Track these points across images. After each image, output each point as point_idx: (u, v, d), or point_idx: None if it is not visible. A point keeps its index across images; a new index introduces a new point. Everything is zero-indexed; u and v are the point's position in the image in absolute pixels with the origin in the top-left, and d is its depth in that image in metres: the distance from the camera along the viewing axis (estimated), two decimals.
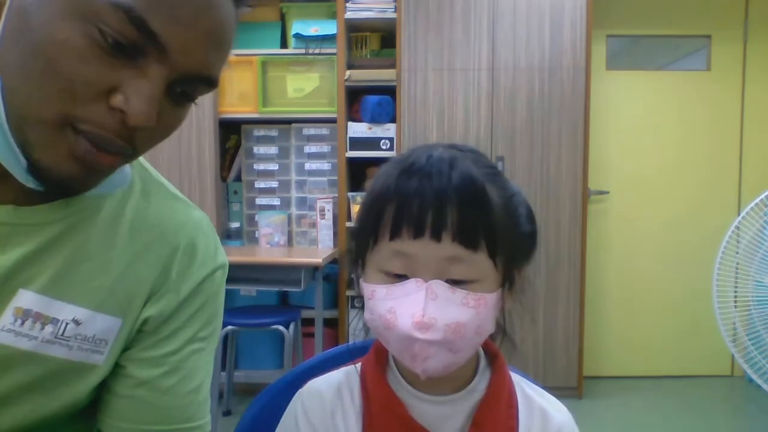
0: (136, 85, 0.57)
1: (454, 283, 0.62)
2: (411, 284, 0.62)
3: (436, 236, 0.61)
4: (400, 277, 0.63)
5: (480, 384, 0.70)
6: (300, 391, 0.72)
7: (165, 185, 0.78)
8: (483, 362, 0.72)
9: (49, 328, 0.64)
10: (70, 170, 0.60)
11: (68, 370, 0.67)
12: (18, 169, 0.60)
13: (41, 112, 0.57)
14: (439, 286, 0.62)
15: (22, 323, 0.63)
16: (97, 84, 0.56)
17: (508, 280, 0.66)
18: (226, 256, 0.81)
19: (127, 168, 0.72)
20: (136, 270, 0.71)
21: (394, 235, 0.62)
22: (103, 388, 0.73)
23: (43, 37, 0.55)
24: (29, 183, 0.61)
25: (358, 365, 0.73)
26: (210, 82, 0.63)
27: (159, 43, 0.57)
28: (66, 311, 0.65)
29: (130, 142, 0.61)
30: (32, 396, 0.66)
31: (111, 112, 0.58)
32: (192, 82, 0.62)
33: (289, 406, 0.72)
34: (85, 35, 0.55)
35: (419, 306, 0.61)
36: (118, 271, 0.69)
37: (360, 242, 0.66)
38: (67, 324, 0.65)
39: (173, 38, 0.57)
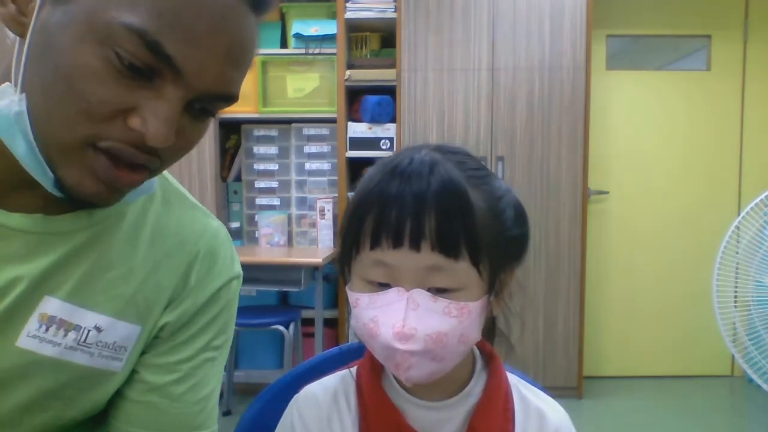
0: (153, 106, 0.58)
1: (437, 291, 0.61)
2: (393, 293, 0.61)
3: (415, 246, 0.59)
4: (383, 286, 0.62)
5: (476, 387, 0.69)
6: (296, 396, 0.72)
7: (184, 194, 0.80)
8: (479, 364, 0.71)
9: (72, 335, 0.66)
10: (92, 188, 0.61)
11: (89, 377, 0.68)
12: (47, 182, 0.61)
13: (62, 133, 0.58)
14: (421, 296, 0.60)
15: (47, 329, 0.65)
16: (114, 105, 0.57)
17: (494, 287, 0.65)
18: (240, 266, 0.82)
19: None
20: (156, 278, 0.72)
21: (374, 244, 0.61)
22: (115, 392, 0.74)
23: (64, 59, 0.56)
24: (57, 193, 0.62)
25: (353, 369, 0.73)
26: (229, 99, 0.64)
27: (174, 66, 0.57)
28: (89, 318, 0.67)
29: (155, 157, 0.62)
30: (54, 403, 0.67)
31: (130, 132, 0.58)
32: (210, 100, 0.62)
33: (285, 412, 0.72)
34: (102, 58, 0.56)
35: (399, 316, 0.60)
36: (140, 279, 0.70)
37: (344, 250, 0.65)
38: (89, 331, 0.66)
39: (188, 60, 0.57)
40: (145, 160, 0.61)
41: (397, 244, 0.60)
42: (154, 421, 0.73)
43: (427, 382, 0.65)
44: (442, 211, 0.60)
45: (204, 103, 0.62)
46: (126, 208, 0.71)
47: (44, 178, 0.61)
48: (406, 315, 0.60)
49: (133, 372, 0.73)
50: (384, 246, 0.60)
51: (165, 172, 0.78)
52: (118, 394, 0.74)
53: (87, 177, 0.60)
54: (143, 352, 0.74)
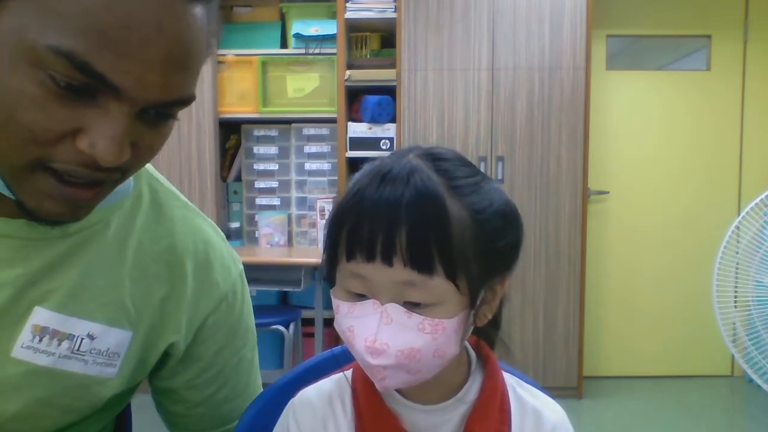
0: (99, 126, 0.55)
1: (413, 306, 0.59)
2: (368, 305, 0.60)
3: (387, 261, 0.58)
4: (361, 296, 0.61)
5: (472, 389, 0.69)
6: (291, 401, 0.71)
7: (175, 194, 0.79)
8: (474, 366, 0.71)
9: (65, 344, 0.66)
10: (53, 209, 0.60)
11: (84, 385, 0.68)
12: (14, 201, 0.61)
13: (11, 160, 0.57)
14: (395, 310, 0.59)
15: (40, 340, 0.65)
16: (59, 130, 0.55)
17: (477, 300, 0.63)
18: (239, 260, 0.83)
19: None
20: (145, 283, 0.72)
21: (350, 257, 0.60)
22: (164, 407, 0.83)
23: (1, 86, 0.54)
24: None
25: (349, 372, 0.72)
26: (183, 102, 0.60)
27: (110, 84, 0.54)
28: (81, 327, 0.67)
29: (113, 171, 0.60)
30: (51, 411, 0.68)
31: (80, 153, 0.56)
32: (162, 107, 0.59)
33: (281, 417, 0.72)
34: (38, 82, 0.53)
35: (372, 330, 0.59)
36: (129, 286, 0.71)
37: (326, 258, 0.65)
38: (82, 339, 0.67)
39: (125, 77, 0.54)
40: (102, 177, 0.59)
41: (369, 258, 0.58)
42: (207, 423, 0.82)
43: (405, 388, 0.65)
44: (414, 226, 0.57)
45: (158, 109, 0.59)
46: (111, 214, 0.71)
47: (11, 196, 0.61)
48: (378, 329, 0.59)
49: (172, 392, 0.80)
50: (358, 259, 0.59)
51: (153, 171, 0.78)
52: (168, 410, 0.83)
53: (45, 200, 0.59)
54: (173, 374, 0.78)
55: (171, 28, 0.55)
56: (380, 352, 0.59)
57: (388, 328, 0.59)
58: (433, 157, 0.63)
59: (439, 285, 0.59)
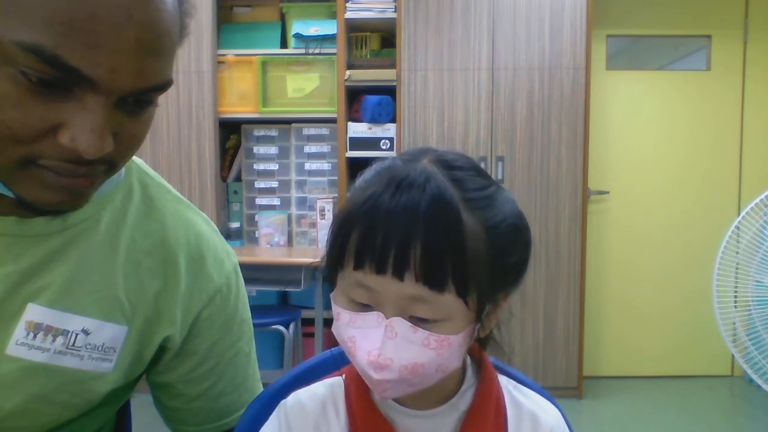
0: (78, 120, 0.55)
1: (419, 321, 0.58)
2: (372, 318, 0.58)
3: (399, 275, 0.56)
4: (365, 306, 0.60)
5: (466, 394, 0.68)
6: (283, 402, 0.70)
7: (166, 188, 0.79)
8: (469, 370, 0.70)
9: (60, 340, 0.66)
10: (53, 199, 0.60)
11: (81, 381, 0.68)
12: (12, 197, 0.62)
13: None
14: (400, 325, 0.58)
15: (35, 336, 0.65)
16: (38, 126, 0.55)
17: (483, 315, 0.61)
18: (233, 253, 0.83)
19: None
20: (139, 278, 0.72)
21: (358, 266, 0.58)
22: (162, 403, 0.82)
23: None
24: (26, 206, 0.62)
25: (343, 377, 0.71)
26: (158, 88, 0.60)
27: (83, 77, 0.53)
28: (75, 322, 0.67)
29: (99, 164, 0.60)
30: (48, 408, 0.67)
31: (63, 148, 0.56)
32: (139, 95, 0.58)
33: (270, 419, 0.70)
34: (10, 80, 0.52)
35: (376, 344, 0.58)
36: (122, 280, 0.71)
37: (329, 261, 0.63)
38: (77, 334, 0.67)
39: (97, 67, 0.53)
40: (89, 171, 0.59)
41: (380, 270, 0.56)
42: (205, 417, 0.81)
43: (405, 397, 0.65)
44: (430, 239, 0.55)
45: (135, 97, 0.58)
46: (103, 210, 0.71)
47: (8, 194, 0.61)
48: (383, 344, 0.58)
49: (170, 386, 0.79)
50: (367, 270, 0.57)
51: (144, 166, 0.78)
52: (166, 405, 0.82)
53: (43, 190, 0.59)
54: (169, 368, 0.77)
55: (140, 14, 0.54)
56: (384, 367, 0.58)
57: (393, 343, 0.58)
58: (447, 165, 0.60)
59: (448, 302, 0.58)
